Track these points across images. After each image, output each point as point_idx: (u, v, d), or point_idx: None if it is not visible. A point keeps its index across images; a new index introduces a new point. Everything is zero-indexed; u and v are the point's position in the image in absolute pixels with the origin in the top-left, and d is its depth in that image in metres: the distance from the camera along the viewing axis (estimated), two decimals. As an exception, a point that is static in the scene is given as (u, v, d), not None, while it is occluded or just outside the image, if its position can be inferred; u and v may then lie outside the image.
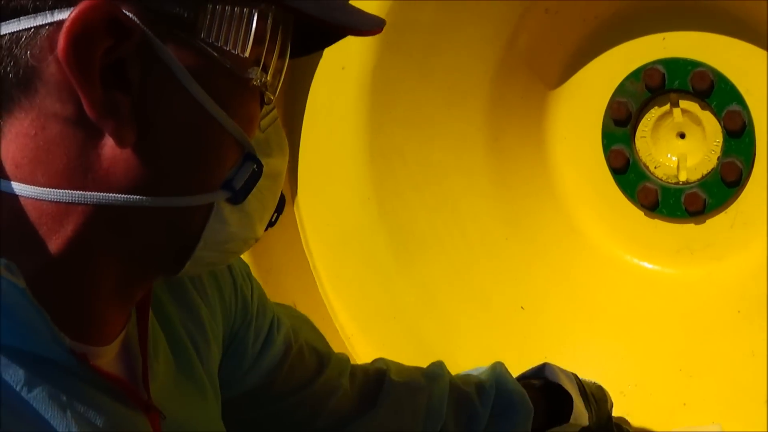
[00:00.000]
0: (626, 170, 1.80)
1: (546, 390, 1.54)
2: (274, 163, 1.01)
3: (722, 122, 1.67)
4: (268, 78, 0.94)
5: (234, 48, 0.89)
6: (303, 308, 1.99)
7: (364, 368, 1.48)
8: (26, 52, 0.82)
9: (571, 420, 1.50)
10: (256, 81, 0.92)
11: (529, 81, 1.86)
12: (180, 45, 0.87)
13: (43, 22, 0.82)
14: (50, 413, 0.85)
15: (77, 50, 0.81)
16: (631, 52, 1.76)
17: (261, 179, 0.97)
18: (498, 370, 1.54)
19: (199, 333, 1.18)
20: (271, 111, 1.02)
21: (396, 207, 1.95)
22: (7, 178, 0.86)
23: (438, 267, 1.96)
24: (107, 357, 0.98)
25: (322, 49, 1.07)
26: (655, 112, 1.76)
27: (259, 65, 0.92)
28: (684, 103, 1.72)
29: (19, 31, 0.82)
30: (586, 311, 1.85)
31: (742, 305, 1.68)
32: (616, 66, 1.78)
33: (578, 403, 1.52)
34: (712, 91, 1.67)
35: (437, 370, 1.52)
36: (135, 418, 0.97)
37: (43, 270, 0.88)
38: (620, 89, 1.78)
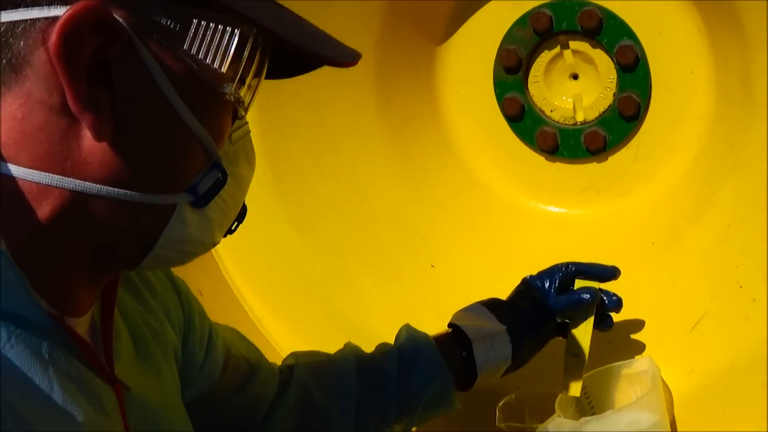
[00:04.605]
0: (522, 117, 1.80)
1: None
2: (240, 174, 1.10)
3: (614, 58, 1.67)
4: (241, 94, 1.02)
5: (213, 62, 0.97)
6: (209, 296, 1.94)
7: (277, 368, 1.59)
8: (20, 41, 0.91)
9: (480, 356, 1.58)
10: (229, 96, 1.00)
11: (415, 39, 1.84)
12: (163, 53, 0.95)
13: (39, 16, 0.90)
14: (33, 369, 0.93)
15: (67, 46, 0.89)
16: (516, -2, 1.75)
17: (225, 188, 1.06)
18: (403, 329, 1.66)
19: (156, 325, 1.26)
20: (243, 125, 1.11)
21: (293, 180, 1.94)
22: None
23: (342, 235, 1.94)
24: (79, 328, 1.05)
25: (301, 74, 1.14)
26: (545, 56, 1.75)
27: (234, 81, 1.00)
28: (574, 44, 1.72)
29: (17, 21, 0.90)
30: (497, 262, 1.84)
31: (655, 236, 1.69)
32: (501, 14, 1.77)
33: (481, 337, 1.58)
34: (602, 28, 1.67)
35: (343, 349, 1.64)
36: (102, 385, 1.04)
37: (23, 242, 0.96)
38: (508, 36, 1.77)
